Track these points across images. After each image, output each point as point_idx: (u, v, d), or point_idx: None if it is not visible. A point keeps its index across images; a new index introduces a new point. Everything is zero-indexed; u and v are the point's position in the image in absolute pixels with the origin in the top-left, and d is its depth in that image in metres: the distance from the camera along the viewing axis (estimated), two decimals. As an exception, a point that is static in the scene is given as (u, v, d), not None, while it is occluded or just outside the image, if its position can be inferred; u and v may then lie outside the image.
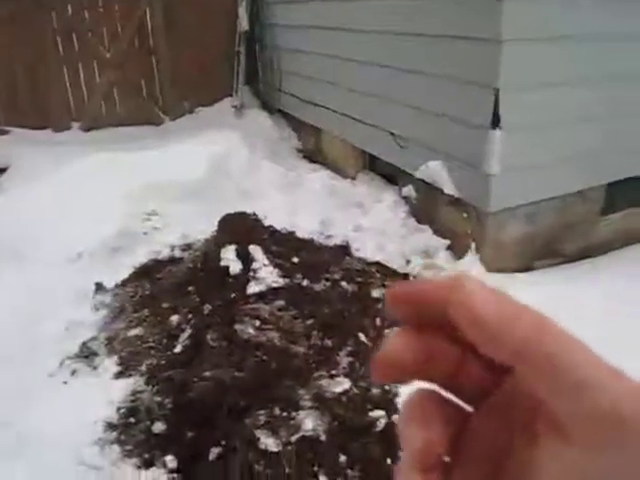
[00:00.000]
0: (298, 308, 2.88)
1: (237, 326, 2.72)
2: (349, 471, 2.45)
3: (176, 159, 4.39)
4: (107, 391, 2.95)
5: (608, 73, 3.32)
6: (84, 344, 3.21)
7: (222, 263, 3.09)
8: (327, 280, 3.10)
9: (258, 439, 2.42)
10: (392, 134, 4.06)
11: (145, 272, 3.62)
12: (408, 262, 3.73)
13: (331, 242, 3.71)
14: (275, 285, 2.95)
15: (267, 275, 2.98)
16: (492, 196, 3.36)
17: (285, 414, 2.51)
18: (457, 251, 3.72)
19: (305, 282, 3.03)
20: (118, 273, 3.72)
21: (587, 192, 3.60)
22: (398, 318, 0.35)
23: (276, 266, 3.03)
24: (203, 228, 3.98)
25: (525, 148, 3.28)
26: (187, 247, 3.78)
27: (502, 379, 0.34)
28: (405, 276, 3.49)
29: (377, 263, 3.57)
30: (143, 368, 3.00)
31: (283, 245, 3.31)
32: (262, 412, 2.52)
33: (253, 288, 2.94)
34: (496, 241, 3.53)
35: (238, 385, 2.61)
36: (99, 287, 3.55)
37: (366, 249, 3.75)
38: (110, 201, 4.16)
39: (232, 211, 3.91)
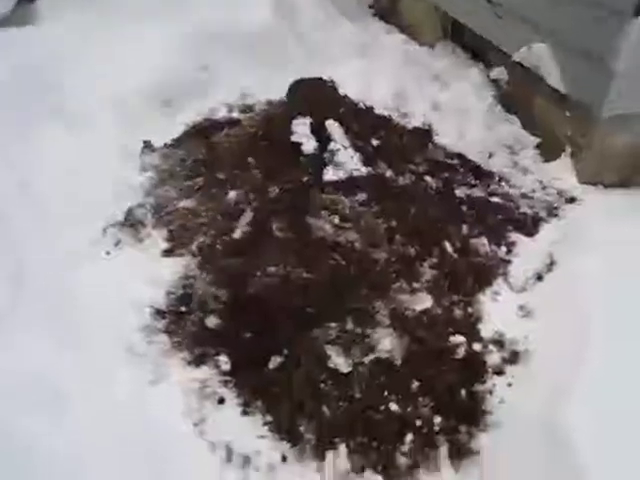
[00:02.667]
0: (381, 205, 2.49)
1: (311, 220, 2.35)
2: (420, 399, 2.21)
3: (235, 3, 3.77)
4: (154, 270, 2.66)
5: None
6: (130, 211, 2.88)
7: (293, 138, 2.65)
8: (412, 173, 2.68)
9: (329, 356, 2.15)
10: (490, 1, 3.43)
11: (198, 132, 3.21)
12: (490, 155, 3.28)
13: (410, 123, 3.25)
14: (356, 173, 2.54)
15: (347, 160, 2.55)
16: (610, 97, 2.85)
17: (359, 330, 2.22)
18: (547, 152, 3.28)
19: (389, 173, 2.61)
20: (167, 130, 3.30)
21: None
22: None
23: (357, 149, 2.59)
24: (265, 89, 3.50)
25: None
26: (247, 109, 3.32)
27: None
28: (490, 174, 3.06)
29: (459, 155, 3.14)
30: (194, 248, 2.69)
31: (362, 122, 2.85)
32: (334, 325, 2.22)
33: (331, 174, 2.53)
34: (598, 149, 3.07)
35: (308, 288, 2.30)
36: (147, 146, 3.15)
37: (446, 134, 3.29)
38: (158, 47, 3.62)
39: (302, 74, 3.39)
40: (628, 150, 3.09)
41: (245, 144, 2.96)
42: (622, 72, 2.77)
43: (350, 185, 2.53)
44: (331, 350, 2.19)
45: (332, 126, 2.68)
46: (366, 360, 2.19)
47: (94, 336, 2.44)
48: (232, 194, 2.76)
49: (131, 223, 2.85)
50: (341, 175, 2.55)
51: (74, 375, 2.31)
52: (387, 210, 2.50)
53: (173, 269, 2.65)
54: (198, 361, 2.33)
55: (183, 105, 3.52)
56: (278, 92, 3.48)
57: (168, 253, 2.72)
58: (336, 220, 2.40)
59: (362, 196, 2.50)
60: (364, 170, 2.58)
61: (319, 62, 3.70)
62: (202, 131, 3.22)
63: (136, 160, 3.20)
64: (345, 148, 2.61)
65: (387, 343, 2.23)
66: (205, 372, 2.32)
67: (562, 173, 3.16)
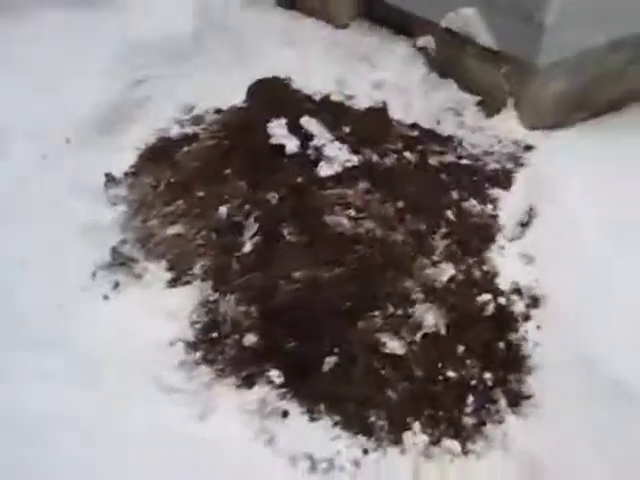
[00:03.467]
0: (381, 190, 2.56)
1: (327, 217, 2.38)
2: (469, 361, 2.34)
3: (154, 15, 3.65)
4: (165, 303, 2.59)
5: None
6: (115, 250, 2.75)
7: (273, 140, 2.64)
8: (392, 152, 2.77)
9: (383, 343, 2.21)
10: (409, -26, 3.56)
11: (156, 155, 3.09)
12: (438, 122, 3.44)
13: (359, 105, 3.31)
14: (349, 164, 2.58)
15: (337, 152, 2.59)
16: (543, 49, 3.08)
17: (401, 312, 2.30)
18: (488, 108, 3.48)
19: (374, 157, 2.68)
20: (122, 157, 3.15)
21: (621, 42, 3.39)
22: None
23: (342, 141, 2.63)
24: (207, 97, 3.42)
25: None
26: (198, 121, 3.23)
27: None
28: (449, 138, 3.22)
29: (415, 126, 3.26)
30: (198, 272, 2.63)
31: (327, 113, 2.88)
32: (377, 313, 2.29)
33: (326, 170, 2.55)
34: (536, 97, 3.32)
35: (340, 284, 2.34)
36: (110, 178, 3.00)
37: (394, 110, 3.40)
38: (85, 70, 3.43)
39: (237, 76, 3.37)
40: (562, 93, 3.35)
41: (215, 158, 2.90)
42: (550, 25, 2.99)
43: (349, 176, 2.57)
44: (383, 337, 2.25)
45: (309, 122, 2.70)
46: (416, 338, 2.27)
47: (131, 385, 2.35)
48: (222, 210, 2.71)
49: (121, 262, 2.74)
50: (336, 169, 2.58)
51: (122, 431, 2.23)
52: (390, 193, 2.58)
53: (186, 298, 2.59)
54: (248, 382, 2.32)
55: (126, 128, 3.37)
56: (221, 98, 3.43)
57: (173, 283, 2.64)
58: (352, 212, 2.44)
59: (364, 185, 2.55)
60: (355, 159, 2.63)
61: (250, 60, 3.66)
62: (160, 152, 3.11)
63: (99, 196, 3.04)
64: (330, 142, 2.65)
65: (429, 317, 2.33)
66: (259, 391, 2.31)
67: (508, 125, 3.37)
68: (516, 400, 2.30)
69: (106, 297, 2.65)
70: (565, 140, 3.31)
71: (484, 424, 2.25)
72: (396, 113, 3.38)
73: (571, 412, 2.25)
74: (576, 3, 2.98)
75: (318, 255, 2.42)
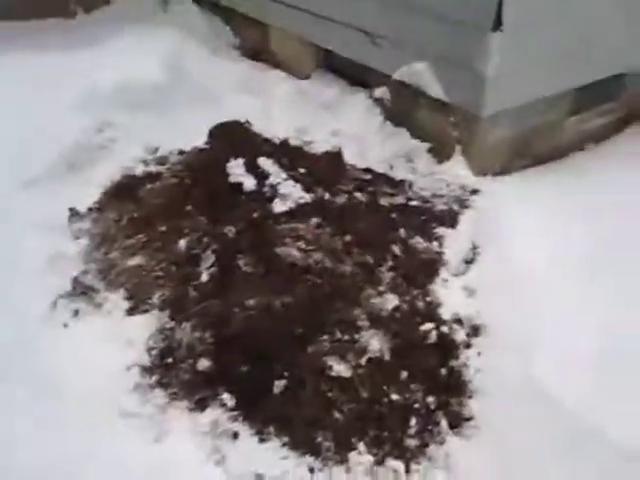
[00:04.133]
0: (331, 225, 2.73)
1: (279, 249, 2.53)
2: (412, 385, 2.47)
3: (121, 59, 3.85)
4: (123, 331, 2.68)
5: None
6: (76, 279, 2.85)
7: (231, 179, 2.81)
8: (343, 192, 2.96)
9: (330, 366, 2.34)
10: (366, 32, 3.83)
11: (120, 192, 3.23)
12: (391, 167, 3.65)
13: (317, 149, 3.51)
14: (302, 201, 2.76)
15: (291, 190, 2.76)
16: (486, 100, 3.32)
17: (348, 337, 2.44)
18: (439, 155, 3.70)
19: (327, 196, 2.86)
20: (87, 195, 3.28)
21: (560, 95, 3.68)
22: None
23: (294, 180, 2.82)
24: (170, 139, 3.60)
25: (520, 50, 3.24)
26: (162, 161, 3.39)
27: None
28: (401, 182, 3.42)
29: (369, 170, 3.47)
30: (156, 301, 2.74)
31: (285, 156, 3.07)
32: (325, 337, 2.42)
33: (280, 206, 2.72)
34: (483, 145, 3.54)
35: (291, 311, 2.47)
36: (74, 213, 3.12)
37: (350, 155, 3.61)
38: (52, 113, 3.59)
39: (201, 120, 3.56)
40: (506, 141, 3.60)
41: (177, 195, 3.05)
42: (492, 77, 3.25)
43: (301, 212, 2.74)
44: (330, 360, 2.37)
45: (265, 163, 2.88)
46: (362, 361, 2.40)
47: (84, 410, 2.42)
48: (182, 243, 2.85)
49: (82, 292, 2.83)
50: (290, 205, 2.75)
51: (75, 453, 2.29)
52: (339, 228, 2.75)
53: (144, 326, 2.69)
54: (201, 405, 2.40)
55: (92, 167, 3.51)
56: (185, 140, 3.61)
57: (132, 312, 2.74)
58: (302, 245, 2.60)
59: (314, 220, 2.72)
60: (307, 197, 2.81)
61: (214, 106, 3.87)
62: (124, 189, 3.25)
63: (62, 229, 3.15)
64: (284, 180, 2.82)
65: (374, 343, 2.46)
66: (211, 414, 2.40)
67: (457, 170, 3.59)
68: (457, 422, 2.42)
69: (66, 325, 2.73)
70: (509, 185, 3.54)
71: (427, 445, 2.36)
72: (351, 158, 3.59)
73: (510, 433, 2.38)
74: (515, 60, 3.25)
75: (271, 284, 2.55)
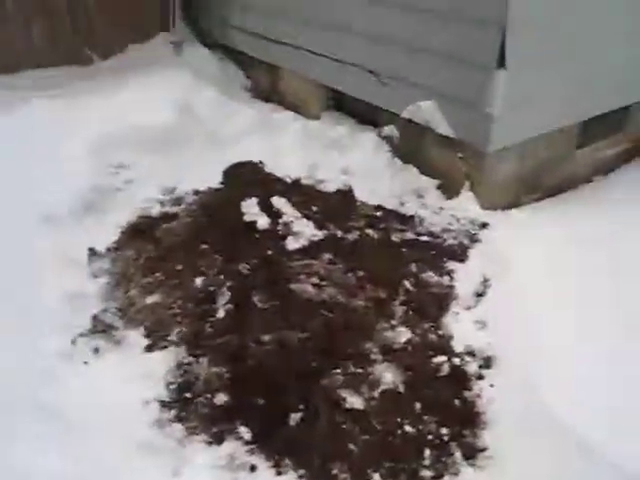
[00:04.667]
0: (344, 261, 2.81)
1: (293, 285, 2.60)
2: (426, 417, 2.50)
3: (135, 104, 4.01)
4: (142, 368, 2.74)
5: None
6: (95, 317, 2.93)
7: (246, 218, 2.90)
8: (355, 229, 3.04)
9: (344, 399, 2.38)
10: (372, 72, 3.96)
11: (138, 232, 3.33)
12: (402, 203, 3.73)
13: (328, 188, 3.61)
14: (315, 238, 2.84)
15: (304, 228, 2.85)
16: (492, 136, 3.42)
17: (361, 370, 2.48)
18: (448, 190, 3.78)
19: (339, 233, 2.94)
20: (105, 235, 3.38)
21: (567, 128, 3.77)
22: None
23: (307, 218, 2.90)
24: (186, 180, 3.71)
25: (523, 87, 3.35)
26: (177, 201, 3.50)
27: None
28: (411, 218, 3.50)
29: (380, 207, 3.55)
30: (174, 338, 2.81)
31: (297, 195, 3.17)
32: (338, 371, 2.47)
33: (293, 243, 2.81)
34: (491, 179, 3.63)
35: (306, 345, 2.53)
36: (92, 252, 3.22)
37: (360, 192, 3.70)
38: (69, 156, 3.73)
39: (214, 161, 3.68)
40: (514, 175, 3.68)
41: (192, 234, 3.15)
42: (497, 115, 3.35)
43: (314, 249, 2.82)
44: (344, 393, 2.42)
45: (278, 201, 2.97)
46: (375, 394, 2.45)
47: (104, 444, 2.47)
48: (198, 280, 2.93)
49: (102, 329, 2.91)
50: (303, 242, 2.84)
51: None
52: (351, 264, 2.82)
53: (162, 362, 2.75)
54: (219, 439, 2.45)
55: (109, 208, 3.62)
56: (200, 181, 3.73)
57: (150, 348, 2.81)
58: (316, 280, 2.67)
59: (327, 256, 2.80)
60: (320, 234, 2.89)
61: (227, 147, 4.00)
62: (141, 229, 3.35)
63: (82, 268, 3.25)
64: (297, 218, 2.91)
65: (388, 376, 2.51)
66: (229, 447, 2.44)
67: (466, 205, 3.67)
68: (471, 453, 2.44)
69: (86, 362, 2.80)
70: (518, 218, 3.61)
71: (442, 476, 2.38)
72: (362, 195, 3.68)
73: (524, 462, 2.40)
74: (520, 96, 3.35)
75: (286, 319, 2.62)
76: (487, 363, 2.71)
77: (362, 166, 3.96)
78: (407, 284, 2.84)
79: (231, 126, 4.14)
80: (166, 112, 4.05)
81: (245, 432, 2.45)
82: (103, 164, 3.78)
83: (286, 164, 3.84)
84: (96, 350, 2.82)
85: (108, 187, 3.70)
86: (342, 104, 4.54)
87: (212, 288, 2.88)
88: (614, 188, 3.97)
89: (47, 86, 4.46)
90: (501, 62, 3.22)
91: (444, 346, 2.72)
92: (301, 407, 2.44)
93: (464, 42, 3.35)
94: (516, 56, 3.20)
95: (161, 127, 4.02)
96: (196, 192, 3.60)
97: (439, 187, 3.84)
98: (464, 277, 3.13)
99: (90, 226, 3.50)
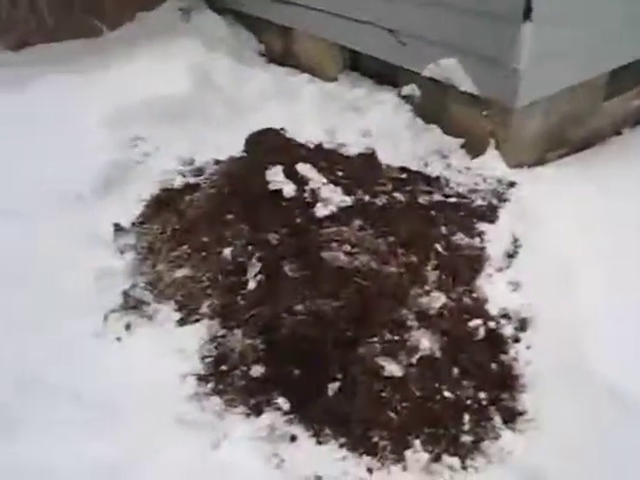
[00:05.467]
0: (374, 227, 2.76)
1: (325, 253, 2.57)
2: (464, 382, 2.48)
3: (147, 75, 3.94)
4: (176, 342, 2.74)
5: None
6: (126, 293, 2.92)
7: (271, 186, 2.85)
8: (383, 193, 2.98)
9: (382, 367, 2.37)
10: (391, 31, 3.84)
11: (162, 204, 3.30)
12: (426, 164, 3.67)
13: (349, 151, 3.54)
14: (343, 205, 2.79)
15: (331, 194, 2.80)
16: (519, 92, 3.32)
17: (398, 337, 2.46)
18: (473, 149, 3.71)
19: (367, 198, 2.89)
20: (129, 209, 3.35)
21: (594, 80, 3.66)
22: None
23: (334, 184, 2.85)
24: (206, 149, 3.66)
25: (550, 39, 3.23)
26: (199, 172, 3.46)
27: None
28: (437, 179, 3.44)
29: (404, 169, 3.48)
30: (206, 311, 2.80)
31: (321, 160, 3.11)
32: (375, 339, 2.45)
33: (322, 210, 2.76)
34: (518, 137, 3.54)
35: (340, 314, 2.50)
36: (118, 228, 3.19)
37: (383, 154, 3.63)
38: (85, 131, 3.68)
39: (232, 129, 3.62)
40: (541, 131, 3.59)
41: (217, 205, 3.10)
42: (524, 69, 3.24)
43: (343, 216, 2.78)
44: (382, 361, 2.41)
45: (304, 168, 2.92)
46: (413, 360, 2.43)
47: (142, 419, 2.47)
48: (227, 252, 2.90)
49: (133, 305, 2.90)
50: (332, 209, 2.79)
51: (135, 457, 2.35)
52: (381, 230, 2.78)
53: (195, 336, 2.74)
54: (257, 410, 2.45)
55: (128, 182, 3.58)
56: (220, 150, 3.67)
57: (183, 323, 2.80)
58: (348, 248, 2.63)
59: (357, 222, 2.76)
60: (348, 200, 2.84)
61: (245, 114, 3.93)
62: (165, 201, 3.32)
63: (107, 245, 3.23)
64: (324, 185, 2.86)
65: (424, 342, 2.49)
66: (268, 418, 2.44)
67: (492, 164, 3.59)
68: (511, 417, 2.43)
69: (119, 339, 2.80)
70: (546, 175, 3.52)
71: (482, 441, 2.37)
72: (385, 158, 3.61)
73: (566, 423, 2.38)
74: (547, 49, 3.24)
75: (318, 289, 2.59)
76: (522, 325, 2.68)
77: (383, 127, 3.89)
78: (438, 247, 2.80)
79: (247, 92, 4.06)
80: (180, 81, 3.98)
81: (283, 403, 2.45)
82: (120, 138, 3.73)
83: (306, 129, 3.77)
84: (128, 326, 2.82)
85: (127, 161, 3.66)
86: (359, 64, 4.43)
87: (241, 259, 2.85)
88: (643, 140, 3.88)
89: (58, 61, 4.38)
90: (527, 14, 3.10)
91: (479, 309, 2.69)
92: (339, 376, 2.44)
93: (487, -6, 3.22)
94: (542, 7, 3.08)
95: (176, 97, 3.95)
96: (217, 162, 3.55)
97: (463, 146, 3.76)
98: (495, 238, 3.08)
99: (113, 201, 3.47)
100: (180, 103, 3.94)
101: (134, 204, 3.45)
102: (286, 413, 2.43)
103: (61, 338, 2.79)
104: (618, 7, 3.40)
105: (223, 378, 2.55)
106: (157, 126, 3.84)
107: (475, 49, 3.41)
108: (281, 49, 4.87)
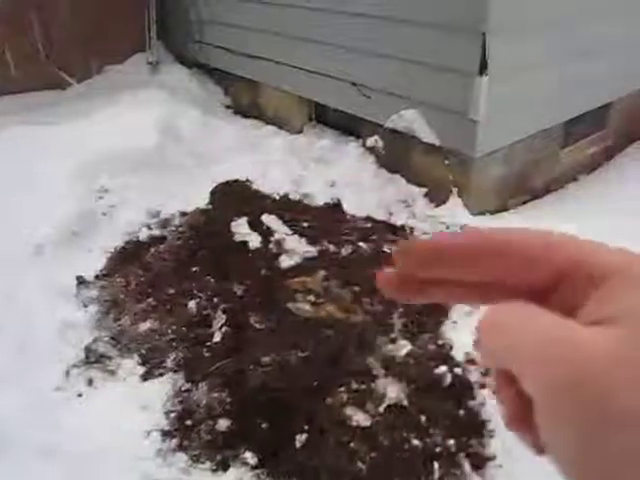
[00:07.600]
0: (339, 276, 2.78)
1: (289, 304, 2.57)
2: (431, 430, 2.47)
3: (117, 127, 3.95)
4: (140, 397, 2.68)
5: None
6: (88, 348, 2.86)
7: (236, 238, 2.87)
8: (347, 242, 3.01)
9: (349, 417, 2.35)
10: (354, 84, 3.95)
11: (126, 257, 3.28)
12: (391, 213, 3.72)
13: (315, 202, 3.58)
14: (308, 255, 2.81)
15: (296, 245, 2.82)
16: (478, 142, 3.42)
17: (365, 386, 2.45)
18: (436, 197, 3.78)
19: (332, 248, 2.91)
20: (93, 262, 3.32)
21: (550, 129, 3.80)
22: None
23: (300, 234, 2.87)
24: (172, 202, 3.67)
25: (507, 91, 3.36)
26: (164, 224, 3.45)
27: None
28: (401, 228, 3.49)
29: (369, 218, 3.53)
30: (171, 364, 2.76)
31: (287, 211, 3.14)
32: (342, 389, 2.43)
33: (287, 261, 2.77)
34: (478, 185, 3.63)
35: (306, 365, 2.49)
36: (81, 281, 3.15)
37: (348, 205, 3.68)
38: (51, 183, 3.66)
39: (198, 181, 3.65)
40: (501, 179, 3.69)
41: (182, 257, 3.10)
42: (482, 121, 3.35)
43: (308, 266, 2.79)
44: (349, 411, 2.39)
45: (269, 219, 2.94)
46: (381, 409, 2.41)
47: (107, 478, 2.40)
48: (192, 304, 2.88)
49: (95, 360, 2.84)
50: (297, 259, 2.80)
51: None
52: (346, 279, 2.79)
53: (160, 390, 2.69)
54: (224, 466, 2.39)
55: (94, 233, 3.56)
56: (186, 202, 3.69)
57: (147, 377, 2.75)
58: (313, 298, 2.63)
59: (322, 273, 2.77)
60: (313, 250, 2.86)
61: (211, 166, 3.96)
62: (129, 254, 3.30)
63: (70, 298, 3.18)
64: (289, 235, 2.88)
65: (391, 390, 2.48)
66: (235, 473, 2.38)
67: (455, 211, 3.67)
68: (480, 463, 2.42)
69: (80, 394, 2.73)
70: (507, 221, 3.61)
71: (451, 489, 2.35)
72: (350, 208, 3.66)
73: (532, 467, 2.37)
74: (503, 101, 3.36)
75: (284, 339, 2.58)
76: (488, 370, 2.68)
77: (348, 178, 3.95)
78: (404, 295, 2.81)
79: (214, 144, 4.10)
80: (147, 133, 4.01)
81: (250, 457, 2.40)
82: (86, 190, 3.72)
83: (273, 180, 3.81)
84: (90, 381, 2.76)
85: (92, 213, 3.64)
86: (324, 116, 4.53)
87: (206, 311, 2.83)
88: (599, 185, 4.01)
89: (24, 113, 4.38)
90: (482, 69, 3.22)
91: (445, 356, 2.69)
92: (306, 428, 2.40)
93: (445, 50, 3.35)
94: (498, 62, 3.21)
95: (143, 149, 3.97)
96: (183, 214, 3.55)
97: (427, 195, 3.84)
98: (459, 284, 3.11)
99: (77, 254, 3.44)
100: (147, 155, 3.96)
101: (98, 256, 3.41)
102: (253, 467, 2.38)
103: (22, 393, 2.72)
104: (572, 62, 3.56)
105: (189, 433, 2.49)
106: (123, 178, 3.84)
107: (435, 101, 3.52)
108: (248, 102, 4.96)
